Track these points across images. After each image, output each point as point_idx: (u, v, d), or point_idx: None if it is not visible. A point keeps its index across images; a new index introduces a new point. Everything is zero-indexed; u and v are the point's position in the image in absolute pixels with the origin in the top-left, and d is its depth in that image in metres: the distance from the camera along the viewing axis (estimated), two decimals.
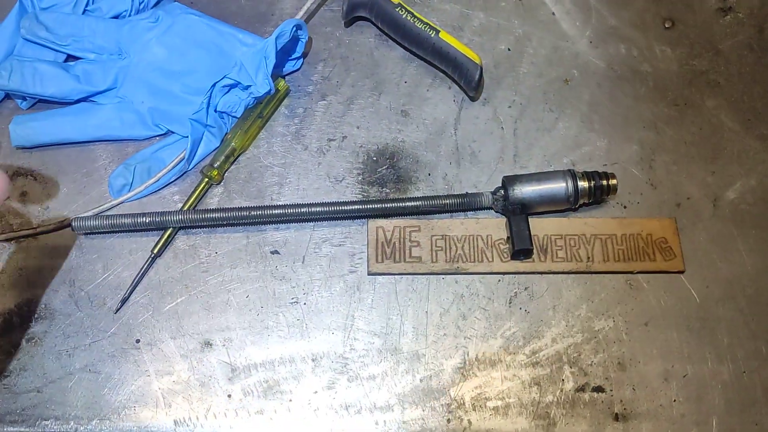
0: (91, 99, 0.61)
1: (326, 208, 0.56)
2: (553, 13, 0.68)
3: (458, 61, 0.60)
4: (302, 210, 0.56)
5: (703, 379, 0.53)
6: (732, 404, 0.53)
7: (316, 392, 0.52)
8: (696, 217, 0.59)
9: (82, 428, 0.50)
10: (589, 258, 0.57)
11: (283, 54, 0.61)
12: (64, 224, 0.56)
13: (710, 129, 0.63)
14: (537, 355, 0.54)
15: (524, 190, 0.56)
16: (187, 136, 0.58)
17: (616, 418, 0.52)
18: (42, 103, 0.61)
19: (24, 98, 0.61)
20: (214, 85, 0.58)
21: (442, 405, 0.52)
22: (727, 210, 0.60)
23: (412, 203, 0.56)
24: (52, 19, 0.61)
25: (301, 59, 0.64)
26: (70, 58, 0.62)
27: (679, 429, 0.52)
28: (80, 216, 0.56)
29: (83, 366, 0.52)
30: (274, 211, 0.55)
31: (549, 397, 0.52)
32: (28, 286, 0.55)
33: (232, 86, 0.59)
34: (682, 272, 0.57)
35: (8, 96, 0.62)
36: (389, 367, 0.53)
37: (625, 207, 0.59)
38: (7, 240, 0.56)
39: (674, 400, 0.53)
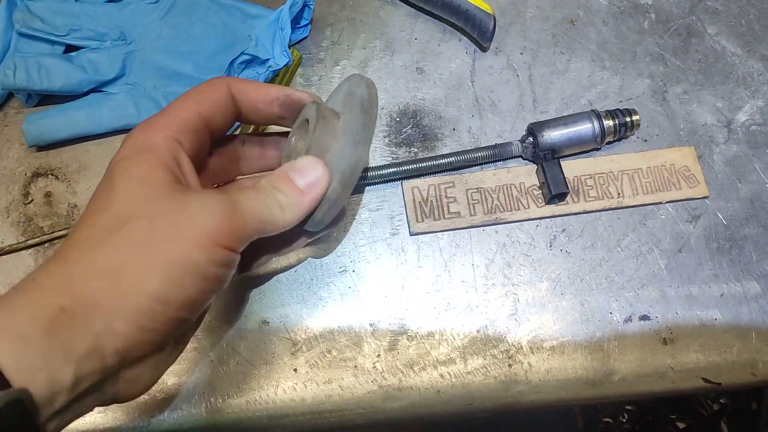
0: (100, 89, 0.59)
1: (364, 174, 0.56)
2: None
3: (470, 13, 0.60)
4: None
5: (737, 296, 0.56)
6: (767, 315, 0.56)
7: (379, 355, 0.53)
8: (712, 142, 0.61)
9: (154, 419, 0.51)
10: (619, 194, 0.58)
11: (293, 22, 0.60)
12: None
13: (714, 55, 0.65)
14: (583, 292, 0.55)
15: (553, 135, 0.57)
16: None
17: (665, 342, 0.54)
18: (47, 98, 0.59)
19: (29, 95, 0.58)
20: (231, 62, 0.56)
21: (501, 352, 0.53)
22: (740, 132, 0.62)
23: (445, 160, 0.57)
24: (46, 9, 0.58)
25: (309, 26, 0.63)
26: (69, 49, 0.60)
27: (722, 345, 0.55)
28: None
29: None
30: None
31: (600, 331, 0.54)
32: None
33: (248, 62, 0.57)
34: (706, 197, 0.59)
35: (11, 94, 0.59)
36: (445, 322, 0.54)
37: (645, 141, 0.61)
38: (40, 243, 0.55)
39: (715, 319, 0.55)
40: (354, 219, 0.57)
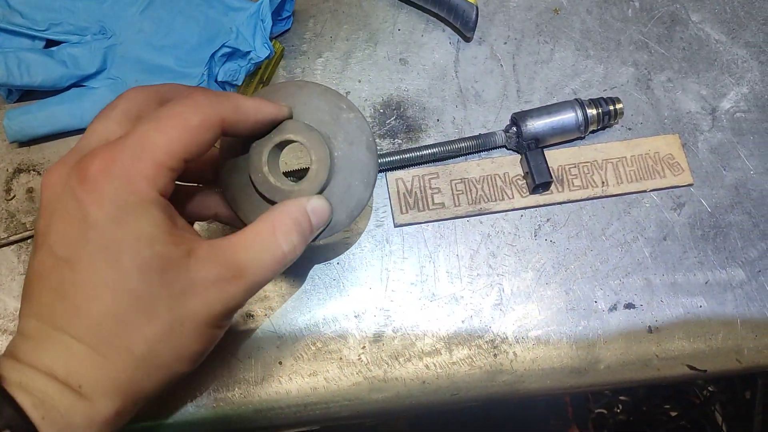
0: (81, 84, 0.58)
1: None
2: None
3: (453, 3, 0.60)
4: None
5: (722, 283, 0.56)
6: (752, 302, 0.56)
7: (364, 347, 0.53)
8: (697, 130, 0.61)
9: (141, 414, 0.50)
10: (603, 182, 0.58)
11: (274, 14, 0.59)
12: None
13: (698, 43, 0.65)
14: (568, 282, 0.55)
15: (536, 124, 0.57)
16: None
17: (650, 330, 0.54)
18: (28, 93, 0.59)
19: (10, 91, 0.58)
20: (212, 55, 0.56)
21: (486, 342, 0.53)
22: (725, 120, 0.62)
23: (429, 151, 0.57)
24: (25, 4, 0.57)
25: (291, 18, 0.62)
26: (50, 44, 0.59)
27: (707, 332, 0.55)
28: None
29: None
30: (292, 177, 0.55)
31: (585, 320, 0.54)
32: None
33: (230, 54, 0.57)
34: (691, 185, 0.59)
35: None
36: (430, 313, 0.54)
37: (629, 129, 0.61)
38: (23, 240, 0.55)
39: (700, 306, 0.55)
40: None
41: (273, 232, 0.37)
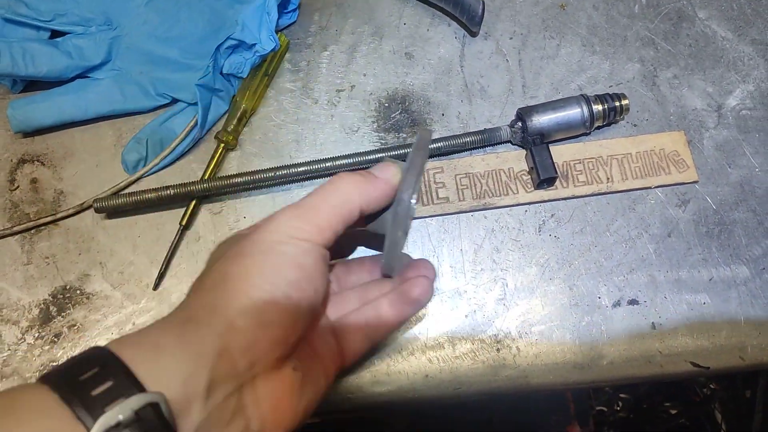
0: (86, 75, 0.58)
1: (351, 160, 0.55)
2: None
3: None
4: (327, 164, 0.55)
5: (726, 280, 0.56)
6: (756, 299, 0.56)
7: None
8: (702, 127, 0.61)
9: None
10: (608, 178, 0.58)
11: (280, 7, 0.59)
12: (84, 207, 0.55)
13: (705, 40, 0.65)
14: (572, 277, 0.55)
15: (542, 120, 0.57)
16: (194, 103, 0.57)
17: (653, 326, 0.54)
18: (33, 84, 0.59)
19: (15, 81, 0.58)
20: (218, 47, 0.56)
21: (489, 336, 0.53)
22: (731, 117, 0.62)
23: (434, 145, 0.57)
24: None
25: (297, 11, 0.62)
26: (55, 35, 0.59)
27: (711, 329, 0.55)
28: (100, 196, 0.54)
29: None
30: (299, 169, 0.55)
31: (588, 315, 0.54)
32: (59, 274, 0.54)
33: (235, 47, 0.57)
34: (696, 182, 0.59)
35: None
36: (434, 308, 0.54)
37: (635, 125, 0.61)
38: (26, 230, 0.55)
39: (703, 303, 0.55)
40: None
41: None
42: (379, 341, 0.46)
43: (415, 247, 0.56)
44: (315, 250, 0.37)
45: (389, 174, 0.41)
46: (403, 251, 0.45)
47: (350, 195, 0.39)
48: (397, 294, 0.44)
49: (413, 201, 0.41)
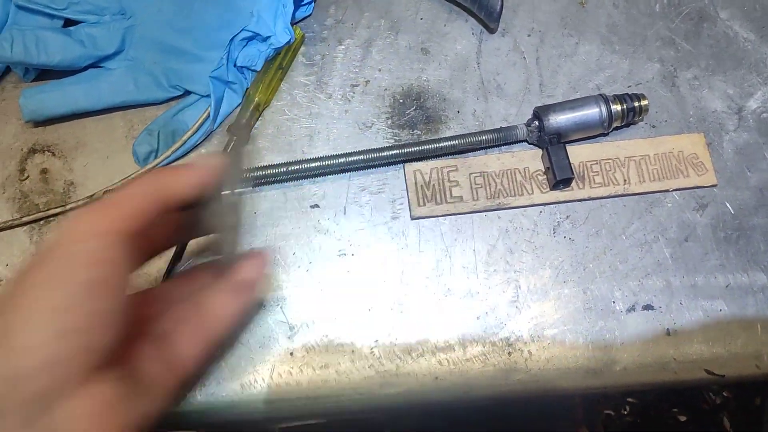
0: (99, 64, 0.57)
1: (365, 156, 0.55)
2: None
3: None
4: (340, 161, 0.54)
5: (744, 287, 0.55)
6: None
7: (377, 340, 0.52)
8: (722, 129, 0.60)
9: None
10: (625, 180, 0.57)
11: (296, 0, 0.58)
12: (94, 199, 0.54)
13: (726, 41, 0.63)
14: (586, 281, 0.54)
15: (559, 119, 0.56)
16: (207, 95, 0.56)
17: (668, 333, 0.53)
18: (45, 73, 0.58)
19: (27, 70, 0.57)
20: (232, 39, 0.55)
21: (501, 339, 0.52)
22: (751, 120, 0.60)
23: (449, 143, 0.56)
24: None
25: (312, 3, 0.61)
26: (68, 23, 0.59)
27: (727, 336, 0.54)
28: (112, 188, 0.54)
29: None
30: (311, 165, 0.54)
31: (602, 320, 0.53)
32: None
33: (249, 39, 0.56)
34: (715, 186, 0.58)
35: (9, 68, 0.58)
36: (445, 308, 0.53)
37: (653, 126, 0.60)
38: (36, 221, 0.54)
39: (720, 310, 0.54)
40: (355, 202, 0.56)
41: None
42: (219, 339, 0.44)
43: (427, 246, 0.55)
44: (117, 241, 0.35)
45: (210, 163, 0.41)
46: (237, 245, 0.44)
47: (161, 181, 0.38)
48: (224, 284, 0.43)
49: (233, 192, 0.41)
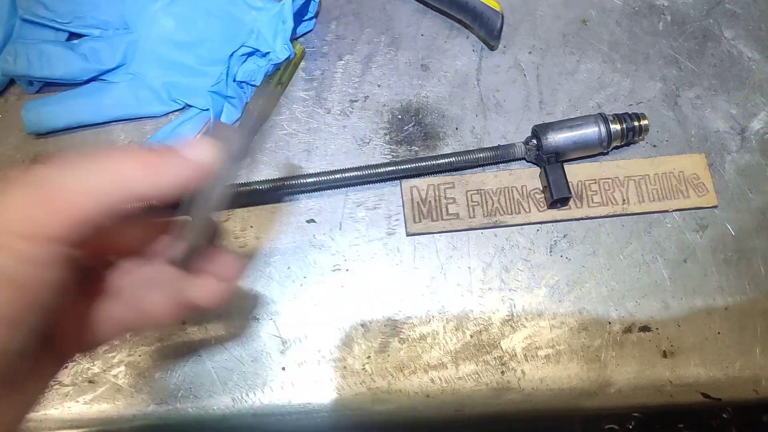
0: (101, 78, 0.58)
1: (361, 172, 0.55)
2: None
3: (477, 11, 0.59)
4: (336, 176, 0.55)
5: (743, 310, 0.54)
6: None
7: (369, 357, 0.52)
8: (724, 150, 0.59)
9: (140, 413, 0.50)
10: (624, 200, 0.57)
11: (297, 15, 0.59)
12: None
13: (730, 60, 0.63)
14: (582, 300, 0.54)
15: (557, 138, 0.55)
16: (206, 109, 0.57)
17: (665, 355, 0.53)
18: (49, 85, 0.59)
19: (30, 82, 0.58)
20: (231, 54, 0.56)
21: (494, 358, 0.52)
22: (754, 141, 0.60)
23: (446, 160, 0.56)
24: None
25: (314, 19, 0.62)
26: (72, 36, 0.59)
27: (725, 360, 0.53)
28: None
29: (131, 353, 0.52)
30: (308, 180, 0.54)
31: (597, 340, 0.53)
32: None
33: (249, 54, 0.57)
34: (715, 207, 0.57)
35: (13, 81, 0.59)
36: (439, 326, 0.53)
37: (654, 146, 0.59)
38: None
39: (718, 333, 0.54)
40: (351, 217, 0.56)
41: None
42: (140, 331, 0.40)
43: (422, 263, 0.55)
44: (49, 256, 0.26)
45: (204, 155, 0.31)
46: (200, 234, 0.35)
47: (127, 176, 0.28)
48: (177, 294, 0.35)
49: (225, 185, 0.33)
